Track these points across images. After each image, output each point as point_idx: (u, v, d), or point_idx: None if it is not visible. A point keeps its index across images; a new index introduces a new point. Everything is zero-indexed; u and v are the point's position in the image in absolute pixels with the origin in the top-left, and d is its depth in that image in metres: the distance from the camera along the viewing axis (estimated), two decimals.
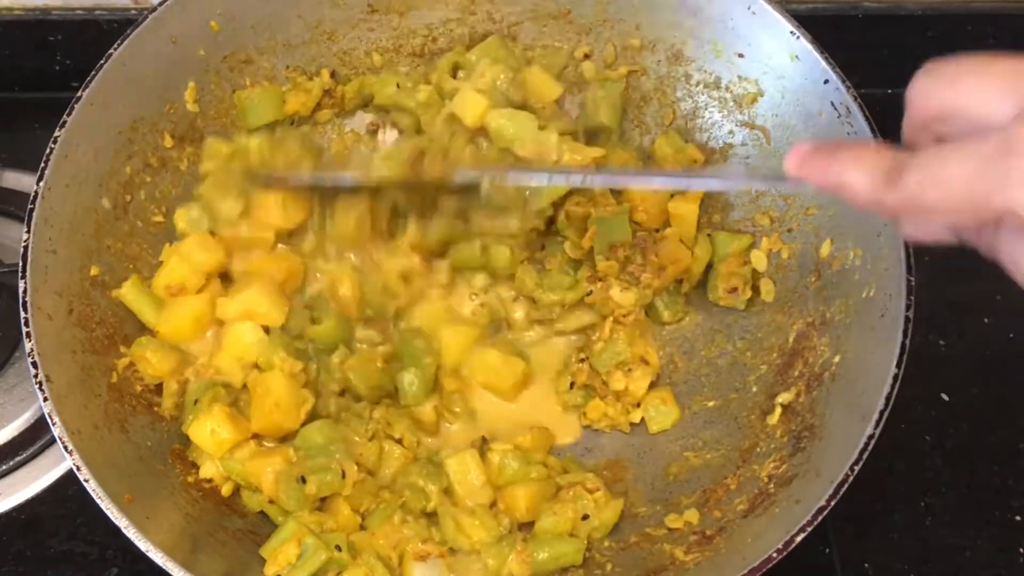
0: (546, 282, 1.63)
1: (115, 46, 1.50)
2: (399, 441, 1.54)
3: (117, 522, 1.27)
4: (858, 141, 1.00)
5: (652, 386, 1.62)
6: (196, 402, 1.48)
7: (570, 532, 1.47)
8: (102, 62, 1.48)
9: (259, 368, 1.51)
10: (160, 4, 1.53)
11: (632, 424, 1.61)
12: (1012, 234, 0.96)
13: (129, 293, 1.52)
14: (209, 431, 1.45)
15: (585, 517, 1.47)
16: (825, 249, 1.52)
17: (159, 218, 1.60)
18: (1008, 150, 0.87)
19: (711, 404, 1.60)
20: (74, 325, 1.43)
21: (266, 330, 1.53)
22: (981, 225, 0.99)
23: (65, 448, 1.30)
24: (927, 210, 0.93)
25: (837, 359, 1.44)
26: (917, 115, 1.00)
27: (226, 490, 1.48)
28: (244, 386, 1.52)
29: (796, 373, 1.51)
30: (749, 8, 1.55)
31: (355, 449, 1.50)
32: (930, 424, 1.70)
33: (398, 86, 1.71)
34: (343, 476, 1.46)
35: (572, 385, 1.62)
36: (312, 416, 1.51)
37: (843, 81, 1.49)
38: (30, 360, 1.33)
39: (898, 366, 1.31)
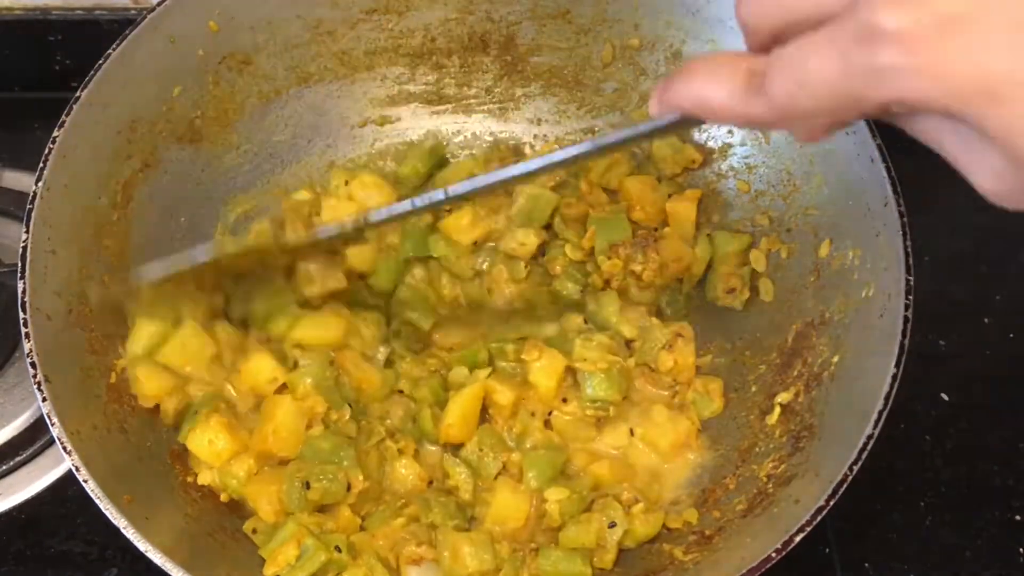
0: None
1: (114, 46, 1.49)
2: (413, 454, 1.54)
3: (116, 522, 1.27)
4: (712, 55, 0.96)
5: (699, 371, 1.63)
6: (195, 413, 1.48)
7: (596, 542, 1.45)
8: (101, 62, 1.48)
9: (282, 388, 1.51)
10: (159, 4, 1.53)
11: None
12: (923, 118, 0.87)
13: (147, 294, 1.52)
14: (207, 442, 1.45)
15: (612, 525, 1.45)
16: (824, 249, 1.52)
17: (158, 219, 1.59)
18: (867, 37, 0.79)
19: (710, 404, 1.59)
20: (73, 325, 1.42)
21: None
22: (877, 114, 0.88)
23: (64, 448, 1.30)
24: (803, 116, 0.87)
25: (836, 359, 1.44)
26: (758, 38, 0.91)
27: (225, 496, 1.48)
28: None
29: (795, 373, 1.50)
30: None
31: (362, 458, 1.49)
32: (930, 424, 1.70)
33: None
34: (348, 488, 1.46)
35: None
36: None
37: None
38: (29, 360, 1.32)
39: (897, 366, 1.31)
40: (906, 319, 1.34)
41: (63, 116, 1.45)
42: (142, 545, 1.26)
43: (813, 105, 0.85)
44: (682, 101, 0.96)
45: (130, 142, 1.54)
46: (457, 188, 1.30)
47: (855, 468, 1.27)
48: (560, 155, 1.22)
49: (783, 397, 1.50)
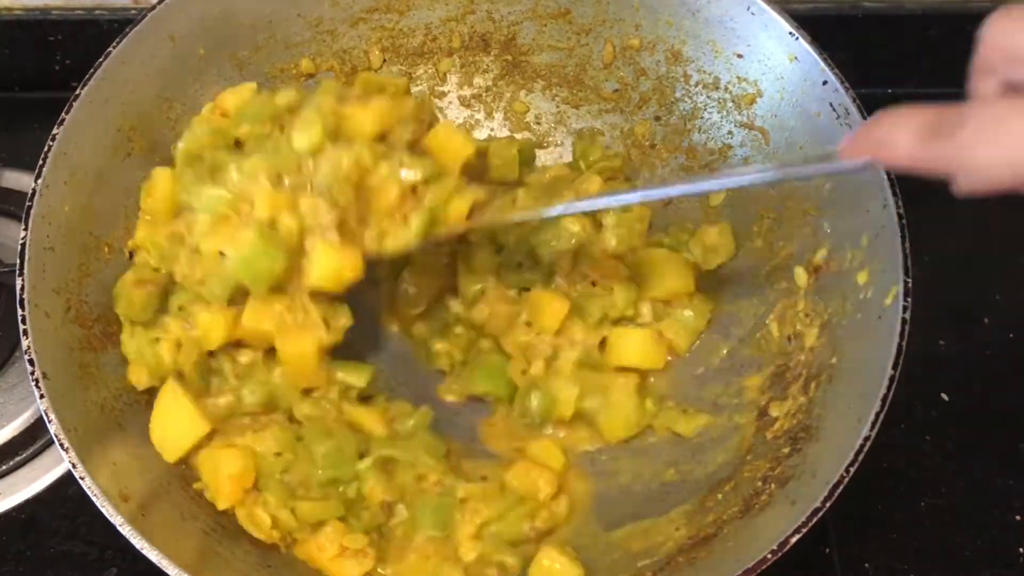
0: None
1: (114, 44, 1.50)
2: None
3: (112, 520, 1.27)
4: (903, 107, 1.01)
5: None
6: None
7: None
8: (101, 60, 1.49)
9: None
10: (159, 2, 1.53)
11: None
12: None
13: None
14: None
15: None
16: (823, 250, 1.52)
17: None
18: None
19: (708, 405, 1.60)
20: (71, 323, 1.43)
21: None
22: None
23: (61, 445, 1.30)
24: (977, 168, 0.90)
25: (834, 360, 1.44)
26: (987, 55, 0.96)
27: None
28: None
29: (793, 374, 1.51)
30: (748, 9, 1.55)
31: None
32: (930, 424, 1.70)
33: None
34: None
35: None
36: None
37: (842, 82, 1.48)
38: (27, 357, 1.33)
39: (895, 368, 1.31)
40: (904, 321, 1.34)
41: (63, 113, 1.45)
42: (139, 543, 1.26)
43: (993, 161, 0.88)
44: (863, 144, 1.00)
45: (130, 140, 1.54)
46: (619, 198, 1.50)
47: (852, 470, 1.27)
48: (739, 180, 1.43)
49: (780, 398, 1.50)
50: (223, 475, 1.43)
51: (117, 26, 1.60)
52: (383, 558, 1.45)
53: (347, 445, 1.47)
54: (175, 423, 1.45)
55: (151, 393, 1.50)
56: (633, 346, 1.60)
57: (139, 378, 1.48)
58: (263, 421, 1.50)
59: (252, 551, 1.42)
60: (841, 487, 1.27)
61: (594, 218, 1.63)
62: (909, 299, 1.35)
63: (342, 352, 1.51)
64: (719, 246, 1.63)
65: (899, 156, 0.97)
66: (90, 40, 1.90)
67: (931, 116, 0.94)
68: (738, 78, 1.62)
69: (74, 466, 1.29)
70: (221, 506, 1.44)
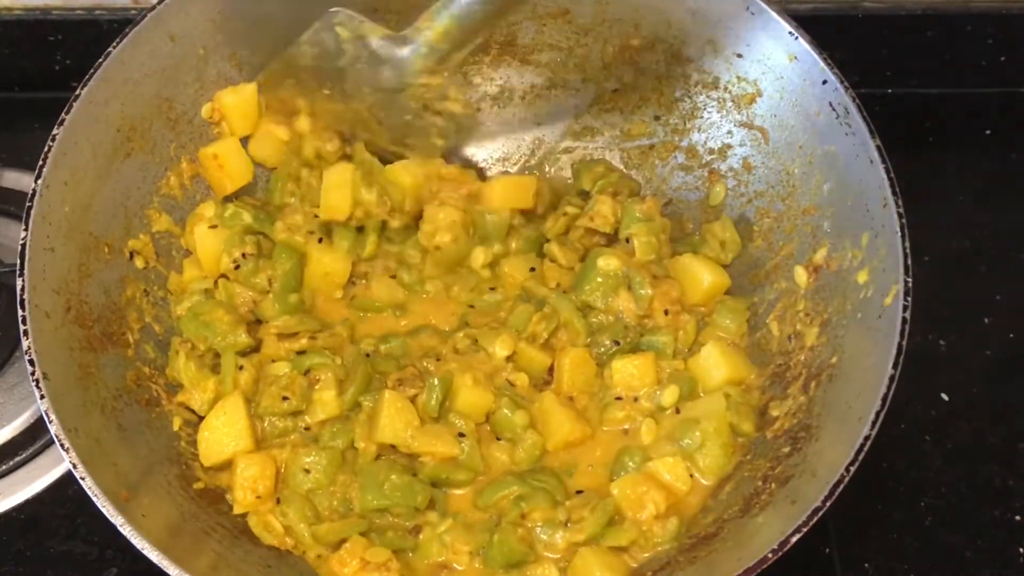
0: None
1: (114, 44, 1.50)
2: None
3: (112, 519, 1.27)
4: None
5: None
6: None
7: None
8: (101, 60, 1.49)
9: None
10: (159, 2, 1.53)
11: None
12: None
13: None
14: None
15: None
16: (823, 249, 1.52)
17: (158, 216, 1.60)
18: None
19: None
20: (71, 323, 1.42)
21: None
22: None
23: (61, 445, 1.30)
24: None
25: (834, 359, 1.44)
26: None
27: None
28: None
29: (793, 374, 1.51)
30: (748, 9, 1.55)
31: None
32: (930, 424, 1.70)
33: None
34: None
35: None
36: None
37: (841, 82, 1.49)
38: (27, 358, 1.33)
39: (895, 367, 1.31)
40: (904, 320, 1.34)
41: (63, 114, 1.45)
42: (138, 542, 1.26)
43: None
44: None
45: (129, 140, 1.55)
46: None
47: (852, 469, 1.27)
48: None
49: (781, 398, 1.50)
50: (238, 476, 1.45)
51: (117, 26, 1.60)
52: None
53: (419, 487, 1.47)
54: (225, 433, 1.48)
55: (148, 393, 1.51)
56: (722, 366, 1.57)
57: (200, 404, 1.52)
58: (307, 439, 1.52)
59: (252, 551, 1.42)
60: (841, 486, 1.27)
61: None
62: (909, 299, 1.35)
63: None
64: (727, 240, 1.64)
65: None
66: (90, 40, 1.90)
67: None
68: (738, 77, 1.62)
69: (74, 466, 1.29)
70: (237, 510, 1.46)
